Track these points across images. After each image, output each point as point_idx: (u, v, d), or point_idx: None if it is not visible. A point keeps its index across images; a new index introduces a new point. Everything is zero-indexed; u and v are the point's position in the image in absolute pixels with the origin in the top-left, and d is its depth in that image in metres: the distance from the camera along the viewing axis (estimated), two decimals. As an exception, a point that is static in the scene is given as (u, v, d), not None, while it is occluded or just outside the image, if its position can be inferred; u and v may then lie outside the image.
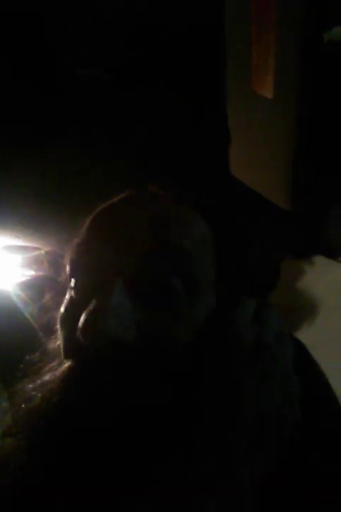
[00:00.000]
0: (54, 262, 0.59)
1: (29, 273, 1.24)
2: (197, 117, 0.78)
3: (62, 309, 0.52)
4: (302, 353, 0.59)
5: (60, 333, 0.51)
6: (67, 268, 0.54)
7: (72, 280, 0.51)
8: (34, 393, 0.47)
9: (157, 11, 0.63)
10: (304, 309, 1.27)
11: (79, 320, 0.46)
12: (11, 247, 1.23)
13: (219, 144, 0.77)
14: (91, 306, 0.45)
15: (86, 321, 0.44)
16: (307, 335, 1.14)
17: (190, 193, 0.55)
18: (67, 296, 0.52)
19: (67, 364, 0.47)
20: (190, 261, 0.49)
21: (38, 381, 0.48)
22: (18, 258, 1.23)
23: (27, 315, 0.71)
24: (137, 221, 0.50)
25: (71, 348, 0.47)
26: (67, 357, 0.47)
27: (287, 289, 1.30)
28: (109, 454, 0.40)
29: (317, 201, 0.69)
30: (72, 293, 0.51)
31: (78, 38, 0.66)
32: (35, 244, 1.20)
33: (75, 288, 0.50)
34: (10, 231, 1.18)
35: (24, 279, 1.26)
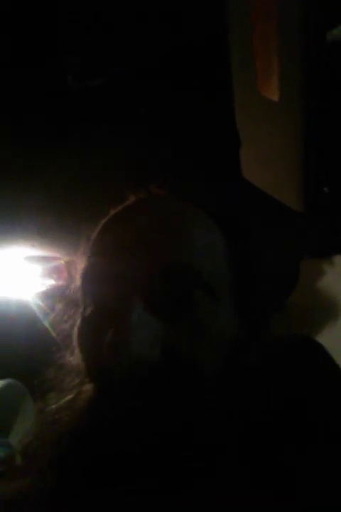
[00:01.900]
0: (74, 272, 0.58)
1: (49, 283, 1.27)
2: (205, 121, 0.78)
3: (78, 326, 0.50)
4: (321, 356, 0.58)
5: (78, 352, 0.49)
6: (79, 280, 0.53)
7: (86, 294, 0.50)
8: (60, 413, 0.46)
9: (160, 17, 0.63)
10: (324, 310, 1.25)
11: (98, 339, 0.44)
12: (32, 258, 1.25)
13: (230, 147, 0.77)
14: (112, 326, 0.43)
15: (110, 343, 0.42)
16: (327, 336, 1.12)
17: (202, 197, 0.54)
18: (82, 312, 0.50)
19: (91, 385, 0.45)
20: (207, 270, 0.47)
21: (62, 400, 0.47)
22: (39, 268, 1.26)
23: (46, 325, 0.71)
24: (151, 230, 0.48)
25: (96, 371, 0.44)
26: (93, 380, 0.45)
27: (307, 289, 1.28)
28: (137, 479, 0.39)
29: (329, 202, 0.68)
30: (87, 308, 0.49)
31: (85, 43, 0.66)
32: (55, 255, 1.22)
33: (90, 303, 0.48)
34: (31, 242, 1.20)
35: (44, 289, 1.29)
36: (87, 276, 0.50)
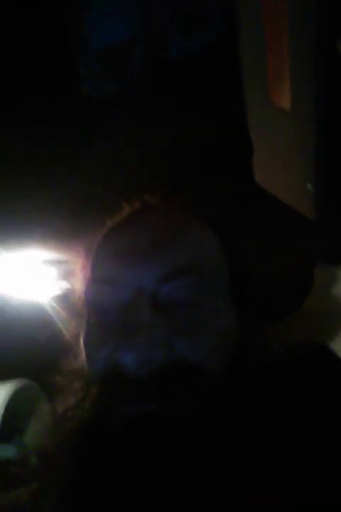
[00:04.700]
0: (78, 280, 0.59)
1: (65, 286, 1.28)
2: (218, 129, 0.79)
3: (84, 332, 0.51)
4: (335, 364, 0.57)
5: (85, 356, 0.49)
6: (82, 289, 0.53)
7: (90, 302, 0.50)
8: (68, 416, 0.46)
9: (170, 25, 0.64)
10: (338, 317, 1.24)
11: (104, 344, 0.45)
12: (47, 261, 1.27)
13: (243, 155, 0.78)
14: (118, 330, 0.44)
15: (117, 345, 0.43)
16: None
17: (205, 204, 0.55)
18: (87, 319, 0.51)
19: (97, 388, 0.45)
20: (208, 272, 0.48)
21: (70, 402, 0.48)
22: (55, 271, 1.27)
23: (62, 327, 0.72)
24: (152, 236, 0.49)
25: (106, 374, 0.45)
26: (99, 383, 0.45)
27: (321, 296, 1.27)
28: (146, 478, 0.39)
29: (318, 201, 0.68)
30: (92, 316, 0.50)
31: (97, 52, 0.67)
32: (71, 258, 1.23)
33: (94, 311, 0.49)
34: (47, 245, 1.21)
35: (60, 292, 1.31)
36: (90, 283, 0.51)
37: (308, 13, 0.50)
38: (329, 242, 1.08)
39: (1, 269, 1.24)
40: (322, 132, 0.56)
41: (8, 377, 1.61)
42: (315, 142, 0.58)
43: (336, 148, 0.60)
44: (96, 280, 0.50)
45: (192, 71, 0.70)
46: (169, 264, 0.46)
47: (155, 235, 0.49)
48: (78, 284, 0.58)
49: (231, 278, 0.52)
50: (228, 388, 0.44)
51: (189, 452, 0.39)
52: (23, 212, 1.09)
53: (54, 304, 1.12)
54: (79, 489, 0.41)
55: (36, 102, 0.86)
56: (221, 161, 0.85)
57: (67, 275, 1.20)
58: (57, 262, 1.24)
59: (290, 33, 0.51)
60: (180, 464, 0.39)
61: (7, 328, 1.30)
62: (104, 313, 0.48)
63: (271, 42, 0.54)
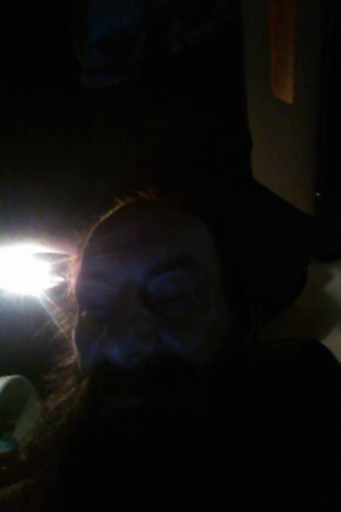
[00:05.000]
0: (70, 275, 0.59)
1: (58, 280, 1.28)
2: (216, 122, 0.78)
3: (75, 327, 0.51)
4: (327, 359, 0.58)
5: (76, 351, 0.49)
6: (73, 283, 0.54)
7: (80, 296, 0.50)
8: (59, 412, 0.46)
9: (172, 15, 0.63)
10: (331, 313, 1.25)
11: (94, 336, 0.45)
12: (41, 255, 1.26)
13: (241, 149, 0.77)
14: (107, 322, 0.44)
15: (106, 336, 0.43)
16: (334, 340, 1.12)
17: (200, 199, 0.55)
18: (78, 313, 0.51)
19: (87, 383, 0.45)
20: (198, 266, 0.48)
21: (61, 398, 0.48)
22: (48, 265, 1.27)
23: (54, 322, 0.72)
24: (142, 230, 0.49)
25: (96, 368, 0.45)
26: (93, 378, 0.45)
27: (314, 292, 1.28)
28: (137, 473, 0.39)
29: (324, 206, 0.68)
30: (83, 310, 0.50)
31: (101, 42, 0.66)
32: (64, 252, 1.23)
33: (84, 304, 0.49)
34: (40, 239, 1.20)
35: (53, 286, 1.30)
36: (80, 278, 0.50)
37: (315, 5, 0.49)
38: (323, 238, 1.09)
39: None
40: (324, 127, 0.55)
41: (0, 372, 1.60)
42: (317, 137, 0.57)
43: (338, 144, 0.60)
44: (86, 274, 0.50)
45: (193, 62, 0.69)
46: (158, 257, 0.46)
47: (145, 228, 0.49)
48: (71, 278, 0.58)
49: (224, 273, 0.52)
50: (218, 383, 0.44)
51: (177, 446, 0.39)
52: (16, 206, 1.08)
53: (47, 298, 1.12)
54: (71, 485, 0.40)
55: (32, 93, 0.85)
56: (218, 155, 0.85)
57: (60, 269, 1.20)
58: (51, 256, 1.23)
59: (297, 24, 0.50)
60: (169, 458, 0.39)
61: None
62: (94, 307, 0.48)
63: (276, 33, 0.53)
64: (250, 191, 0.85)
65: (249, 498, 0.38)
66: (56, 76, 0.75)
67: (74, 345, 0.50)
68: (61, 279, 1.17)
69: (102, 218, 0.55)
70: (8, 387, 1.56)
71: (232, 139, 0.80)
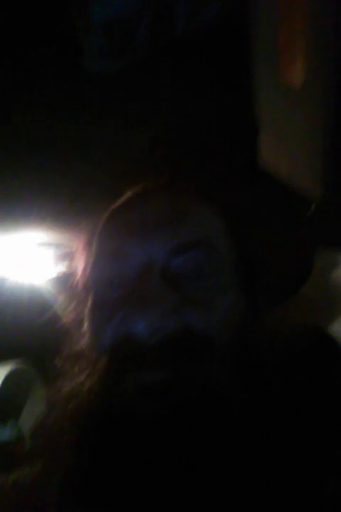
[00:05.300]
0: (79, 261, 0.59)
1: (62, 269, 1.27)
2: (222, 106, 0.77)
3: (89, 308, 0.51)
4: (332, 347, 0.58)
5: (91, 332, 0.50)
6: (84, 264, 0.54)
7: (98, 276, 0.50)
8: (73, 397, 0.46)
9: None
10: (338, 301, 1.24)
11: (115, 314, 0.46)
12: (45, 244, 1.26)
13: (247, 134, 0.76)
14: (131, 299, 0.44)
15: (128, 314, 0.44)
16: (339, 328, 1.11)
17: (209, 186, 0.55)
18: (93, 296, 0.51)
19: (102, 365, 0.45)
20: (215, 248, 0.49)
21: (73, 383, 0.47)
22: (51, 254, 1.26)
23: (57, 310, 0.72)
24: (160, 211, 0.50)
25: (116, 345, 0.45)
26: (112, 355, 0.45)
27: (321, 280, 1.27)
28: (154, 455, 0.39)
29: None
30: (100, 288, 0.50)
31: (103, 28, 0.65)
32: (68, 241, 1.22)
33: (102, 283, 0.49)
34: (44, 228, 1.20)
35: (56, 274, 1.30)
36: (97, 258, 0.51)
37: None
38: (330, 225, 1.08)
39: (-2, 250, 1.23)
40: (333, 112, 0.54)
41: (4, 360, 1.60)
42: (326, 122, 0.56)
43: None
44: (104, 254, 0.50)
45: (199, 45, 0.68)
46: (178, 238, 0.47)
47: (164, 211, 0.50)
48: (78, 265, 0.57)
49: (235, 261, 0.52)
50: (237, 360, 0.44)
51: (203, 419, 0.40)
52: (20, 194, 1.08)
53: (51, 287, 1.12)
54: (94, 463, 0.40)
55: (34, 78, 0.83)
56: (226, 142, 0.83)
57: (64, 258, 1.20)
58: (55, 245, 1.23)
59: (307, 4, 0.49)
60: (192, 432, 0.39)
61: (3, 311, 1.29)
62: (110, 287, 0.48)
63: (286, 14, 0.51)
64: (257, 177, 0.84)
65: (271, 473, 0.39)
66: (58, 61, 0.74)
67: (88, 325, 0.50)
68: (64, 268, 1.17)
69: (118, 201, 0.55)
70: (12, 374, 1.57)
71: (239, 124, 0.79)
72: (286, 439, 0.41)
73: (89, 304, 0.51)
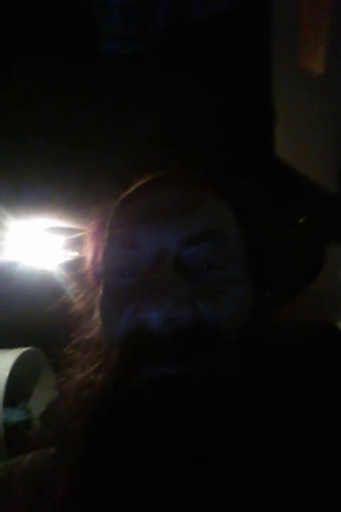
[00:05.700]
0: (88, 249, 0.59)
1: (73, 254, 1.28)
2: (238, 94, 0.76)
3: (100, 297, 0.51)
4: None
5: (103, 321, 0.49)
6: (94, 252, 0.54)
7: (109, 265, 0.50)
8: (85, 384, 0.46)
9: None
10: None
11: (127, 304, 0.45)
12: (55, 229, 1.26)
13: (264, 123, 0.74)
14: (144, 289, 0.44)
15: (142, 303, 0.43)
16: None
17: (222, 176, 0.54)
18: (104, 284, 0.51)
19: (115, 355, 0.45)
20: (228, 238, 0.49)
21: (86, 372, 0.47)
22: (63, 239, 1.27)
23: (69, 296, 0.72)
24: (173, 200, 0.49)
25: (128, 335, 0.45)
26: (125, 345, 0.45)
27: (332, 275, 1.26)
28: (167, 444, 0.38)
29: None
30: (111, 277, 0.49)
31: (114, 16, 0.64)
32: (79, 226, 1.22)
33: (114, 272, 0.49)
34: (55, 213, 1.20)
35: (68, 260, 1.30)
36: (108, 247, 0.51)
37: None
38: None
39: (10, 236, 1.23)
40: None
41: (14, 344, 1.62)
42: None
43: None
44: (115, 243, 0.50)
45: (215, 31, 0.67)
46: (191, 228, 0.47)
47: (176, 200, 0.49)
48: (89, 252, 0.57)
49: (247, 253, 0.52)
50: (249, 352, 0.44)
51: (215, 412, 0.39)
52: (32, 180, 1.08)
53: (62, 273, 1.12)
54: (102, 455, 0.40)
55: (48, 63, 0.83)
56: (240, 131, 0.82)
57: (75, 244, 1.20)
58: (66, 230, 1.23)
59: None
60: (203, 425, 0.39)
61: (14, 296, 1.30)
62: (122, 276, 0.48)
63: None
64: (270, 168, 0.83)
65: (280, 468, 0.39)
66: (74, 44, 0.73)
67: (99, 314, 0.50)
68: (76, 254, 1.17)
69: (130, 190, 0.55)
70: (23, 358, 1.59)
71: (255, 113, 0.77)
72: (293, 435, 0.41)
73: (100, 292, 0.51)
